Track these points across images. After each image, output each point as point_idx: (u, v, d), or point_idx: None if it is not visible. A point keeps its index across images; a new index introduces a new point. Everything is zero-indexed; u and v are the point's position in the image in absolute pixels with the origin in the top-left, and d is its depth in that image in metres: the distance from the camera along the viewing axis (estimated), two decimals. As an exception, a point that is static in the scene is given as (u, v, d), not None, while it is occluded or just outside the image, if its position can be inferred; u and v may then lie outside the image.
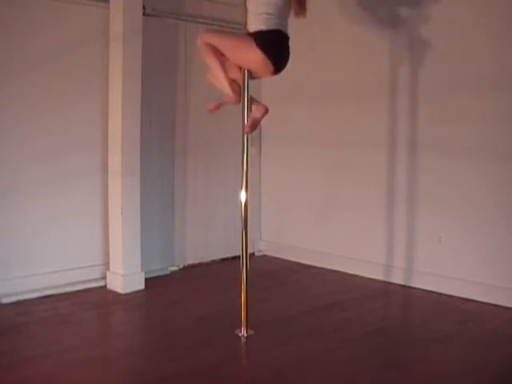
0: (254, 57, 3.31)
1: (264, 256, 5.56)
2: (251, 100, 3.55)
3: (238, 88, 3.51)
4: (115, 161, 4.36)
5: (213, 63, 3.40)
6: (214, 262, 5.26)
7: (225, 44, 3.38)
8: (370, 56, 4.69)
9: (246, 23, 3.44)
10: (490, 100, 4.07)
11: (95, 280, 4.46)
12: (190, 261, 5.12)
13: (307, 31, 4.94)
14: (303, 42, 4.94)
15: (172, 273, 4.94)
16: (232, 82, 3.47)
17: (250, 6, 3.34)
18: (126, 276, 4.35)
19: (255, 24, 3.31)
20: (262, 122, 5.41)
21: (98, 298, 4.24)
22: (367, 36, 4.69)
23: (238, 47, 3.36)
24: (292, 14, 3.46)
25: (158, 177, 4.82)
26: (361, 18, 4.73)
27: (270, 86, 5.30)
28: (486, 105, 4.09)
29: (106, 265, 4.50)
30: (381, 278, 4.71)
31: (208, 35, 3.42)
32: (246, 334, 3.53)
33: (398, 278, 4.62)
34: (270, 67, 3.35)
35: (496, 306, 4.04)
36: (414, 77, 4.45)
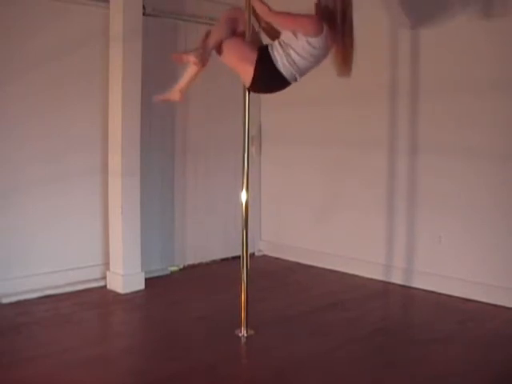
0: (246, 73, 3.30)
1: (264, 256, 5.56)
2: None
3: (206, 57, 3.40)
4: (115, 161, 4.36)
5: (216, 31, 3.40)
6: (214, 262, 5.26)
7: (232, 48, 3.35)
8: (371, 56, 4.69)
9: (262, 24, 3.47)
10: (489, 100, 4.07)
11: (95, 280, 4.46)
12: (190, 261, 5.12)
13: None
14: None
15: (172, 273, 4.94)
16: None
17: (291, 35, 3.24)
18: (125, 276, 4.35)
19: (278, 53, 3.24)
20: (263, 122, 5.47)
21: (98, 298, 4.24)
22: (368, 36, 4.68)
23: (240, 57, 3.33)
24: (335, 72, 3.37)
25: (158, 177, 4.82)
26: (361, 17, 4.71)
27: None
28: (486, 105, 4.09)
29: (106, 265, 4.50)
30: (381, 278, 4.71)
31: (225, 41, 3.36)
32: (246, 334, 3.53)
33: (397, 278, 4.62)
34: (247, 86, 3.38)
35: (496, 306, 4.04)
36: (415, 77, 4.45)
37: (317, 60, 3.32)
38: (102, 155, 4.47)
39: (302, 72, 3.34)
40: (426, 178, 4.44)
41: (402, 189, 4.59)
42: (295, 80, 3.37)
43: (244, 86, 3.47)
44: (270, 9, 3.31)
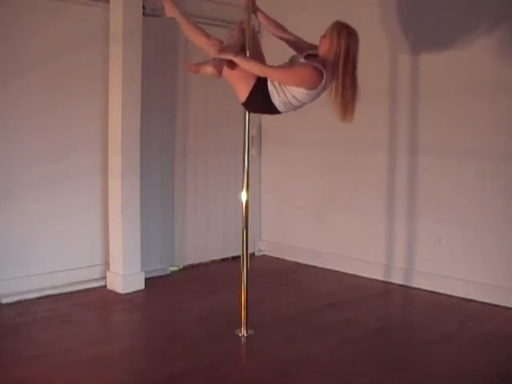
0: (240, 92, 3.28)
1: (264, 256, 5.56)
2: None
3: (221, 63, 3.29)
4: (115, 161, 4.36)
5: (230, 42, 3.36)
6: (213, 262, 5.26)
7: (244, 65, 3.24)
8: (371, 57, 4.67)
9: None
10: (488, 101, 4.07)
11: (95, 280, 4.46)
12: (190, 261, 5.12)
13: (308, 35, 4.94)
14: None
15: (172, 273, 4.94)
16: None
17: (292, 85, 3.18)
18: (126, 276, 4.35)
19: (274, 86, 3.19)
20: (263, 122, 5.46)
21: (98, 298, 4.24)
22: (368, 38, 4.68)
23: (241, 76, 3.25)
24: (338, 117, 3.23)
25: (158, 177, 4.82)
26: (362, 20, 4.72)
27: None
28: (487, 107, 4.09)
29: (106, 265, 4.50)
30: (381, 278, 4.71)
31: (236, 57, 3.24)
32: (246, 334, 3.53)
33: (398, 278, 4.62)
34: (241, 103, 3.35)
35: (496, 305, 4.05)
36: (415, 79, 4.45)
37: (312, 99, 3.27)
38: (102, 155, 4.47)
39: (296, 108, 3.31)
40: (426, 178, 4.44)
41: (402, 189, 4.59)
42: (288, 112, 3.35)
43: None
44: (263, 64, 3.24)
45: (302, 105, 3.30)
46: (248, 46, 3.37)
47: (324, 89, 3.19)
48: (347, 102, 3.15)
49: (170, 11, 3.45)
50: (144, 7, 4.39)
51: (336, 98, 3.15)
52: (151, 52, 4.55)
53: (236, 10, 4.18)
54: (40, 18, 4.11)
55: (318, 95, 3.24)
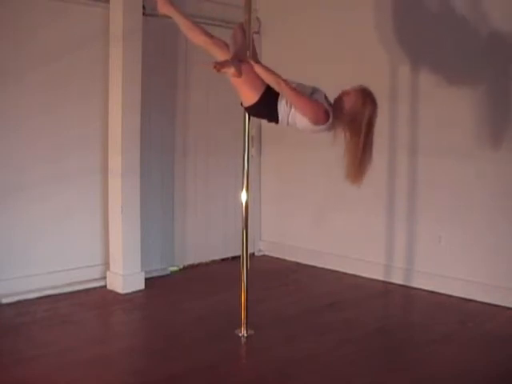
0: (246, 97, 3.26)
1: (264, 256, 5.56)
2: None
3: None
4: (115, 161, 4.36)
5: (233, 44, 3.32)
6: (213, 262, 5.26)
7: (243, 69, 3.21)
8: (371, 59, 4.69)
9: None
10: (489, 102, 4.07)
11: (95, 280, 4.46)
12: (190, 261, 5.12)
13: (309, 37, 4.94)
14: (305, 43, 4.94)
15: (172, 273, 4.94)
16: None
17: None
18: (125, 276, 4.35)
19: (282, 105, 3.21)
20: (263, 122, 5.46)
21: (98, 298, 4.24)
22: (368, 39, 4.69)
23: (247, 81, 3.23)
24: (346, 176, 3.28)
25: (158, 177, 4.82)
26: (362, 21, 4.72)
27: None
28: (486, 106, 4.09)
29: (106, 265, 4.50)
30: (381, 278, 4.71)
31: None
32: (246, 334, 3.54)
33: (398, 278, 4.62)
34: (243, 106, 3.35)
35: (496, 306, 4.05)
36: (415, 80, 4.45)
37: (306, 132, 3.31)
38: (102, 155, 4.47)
39: (290, 126, 3.31)
40: (426, 178, 4.44)
41: (402, 189, 4.59)
42: (282, 124, 3.35)
43: None
44: (280, 77, 3.17)
45: (295, 128, 3.30)
46: (248, 46, 3.36)
47: (320, 130, 3.24)
48: (364, 166, 3.25)
49: (163, 7, 3.37)
50: (144, 7, 4.39)
51: (354, 162, 3.23)
52: (151, 52, 4.55)
53: (236, 10, 4.19)
54: (40, 18, 4.11)
55: (313, 132, 3.28)
